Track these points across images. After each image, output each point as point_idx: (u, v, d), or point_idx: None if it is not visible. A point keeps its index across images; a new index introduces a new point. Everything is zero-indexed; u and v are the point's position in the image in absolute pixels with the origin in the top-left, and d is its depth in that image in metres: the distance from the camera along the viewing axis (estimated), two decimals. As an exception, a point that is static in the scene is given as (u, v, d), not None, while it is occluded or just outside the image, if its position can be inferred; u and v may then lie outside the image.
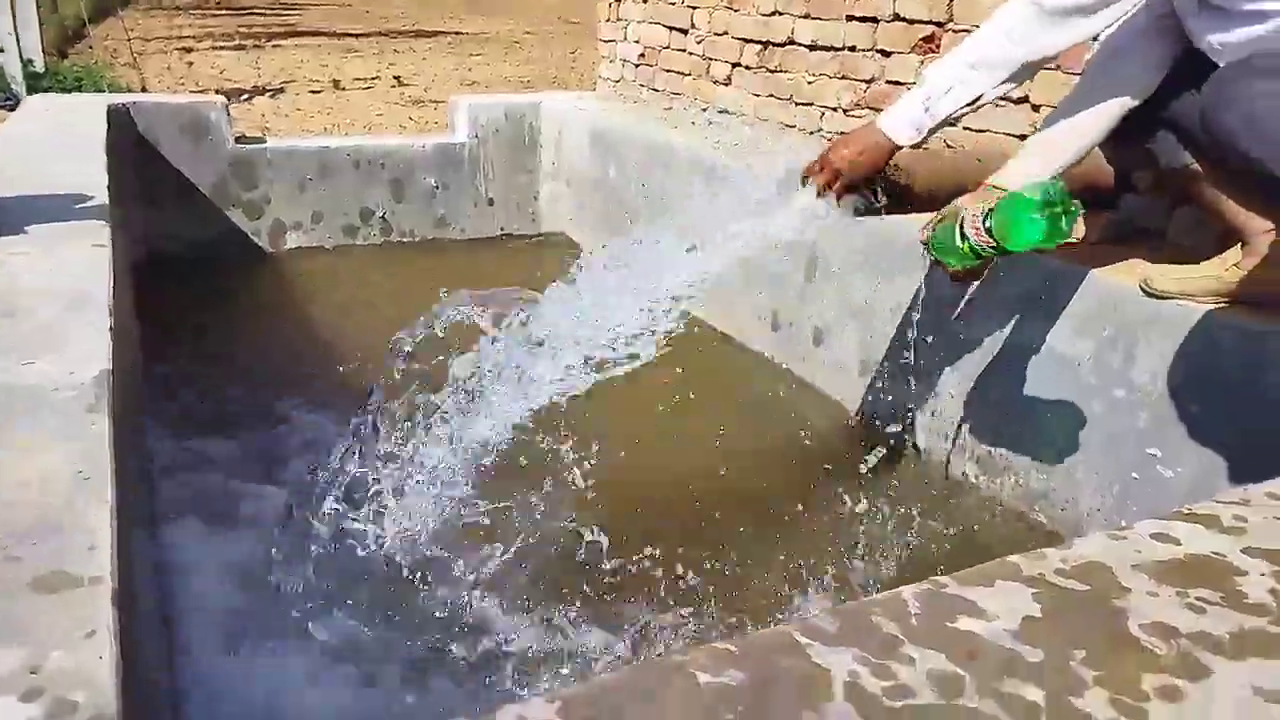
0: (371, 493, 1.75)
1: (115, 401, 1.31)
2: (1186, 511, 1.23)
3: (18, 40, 5.62)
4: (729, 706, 0.84)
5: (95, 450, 1.16)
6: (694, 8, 3.74)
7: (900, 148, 1.68)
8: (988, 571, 1.06)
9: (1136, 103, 1.68)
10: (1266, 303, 1.73)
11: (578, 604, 1.72)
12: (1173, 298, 1.81)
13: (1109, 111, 1.69)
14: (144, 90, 6.30)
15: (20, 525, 1.01)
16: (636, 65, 4.21)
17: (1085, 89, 1.71)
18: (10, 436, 1.18)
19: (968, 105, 1.62)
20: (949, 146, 2.67)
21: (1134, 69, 1.66)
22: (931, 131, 1.66)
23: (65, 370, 1.35)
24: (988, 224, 1.62)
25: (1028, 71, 1.60)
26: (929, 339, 2.30)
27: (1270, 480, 1.37)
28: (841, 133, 3.05)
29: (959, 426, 2.24)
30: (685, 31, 3.82)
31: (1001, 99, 1.85)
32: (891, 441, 2.34)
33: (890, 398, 2.45)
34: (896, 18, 2.81)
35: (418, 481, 1.72)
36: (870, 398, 2.52)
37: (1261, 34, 1.42)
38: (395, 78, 8.30)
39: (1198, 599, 1.04)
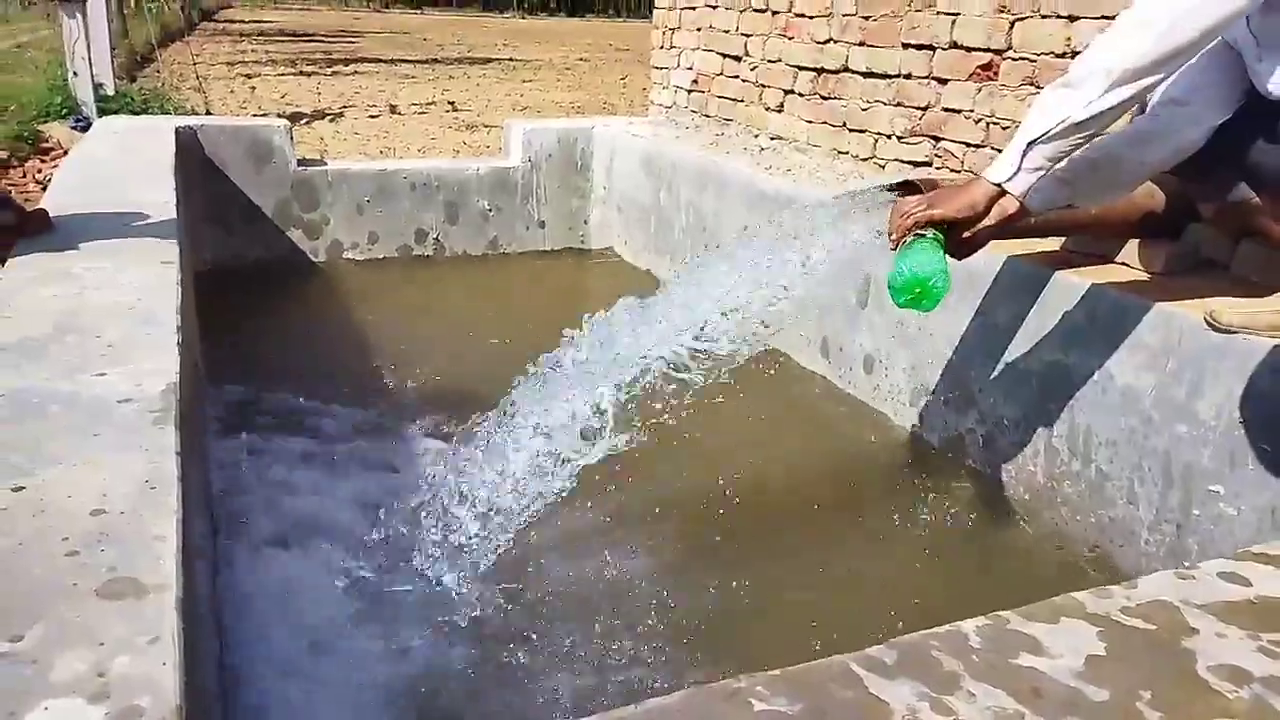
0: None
1: (180, 414, 1.34)
2: (1256, 552, 1.19)
3: (90, 65, 5.82)
4: (784, 736, 0.83)
5: (162, 461, 1.19)
6: (748, 35, 3.76)
7: (999, 186, 1.55)
8: (1051, 608, 1.04)
9: (1184, 153, 1.66)
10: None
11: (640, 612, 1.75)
12: (1238, 332, 1.76)
13: (1157, 157, 1.67)
14: (208, 113, 6.50)
15: (89, 534, 1.04)
16: (689, 91, 4.24)
17: (1140, 129, 1.69)
18: (81, 447, 1.22)
19: (1059, 125, 1.47)
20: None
21: (1191, 115, 1.63)
22: (1035, 170, 1.53)
23: (134, 384, 1.39)
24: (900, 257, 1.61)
25: (1120, 91, 1.44)
26: (985, 367, 2.27)
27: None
28: (897, 160, 3.05)
29: (1015, 455, 2.20)
30: (739, 59, 3.84)
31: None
32: (946, 468, 2.31)
33: (945, 425, 2.41)
34: (954, 45, 2.80)
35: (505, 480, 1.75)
36: (924, 424, 2.49)
37: None
38: (449, 103, 8.45)
39: (1271, 643, 1.00)
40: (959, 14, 2.77)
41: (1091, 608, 1.04)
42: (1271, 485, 1.70)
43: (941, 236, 1.61)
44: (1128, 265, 2.15)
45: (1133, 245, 2.15)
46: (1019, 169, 1.53)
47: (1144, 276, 2.09)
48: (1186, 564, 1.19)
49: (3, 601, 0.92)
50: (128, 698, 0.82)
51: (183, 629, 0.92)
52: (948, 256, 1.60)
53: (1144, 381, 1.91)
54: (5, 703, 0.80)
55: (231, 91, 8.48)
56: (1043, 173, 1.54)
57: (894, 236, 1.63)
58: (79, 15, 5.74)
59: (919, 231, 1.61)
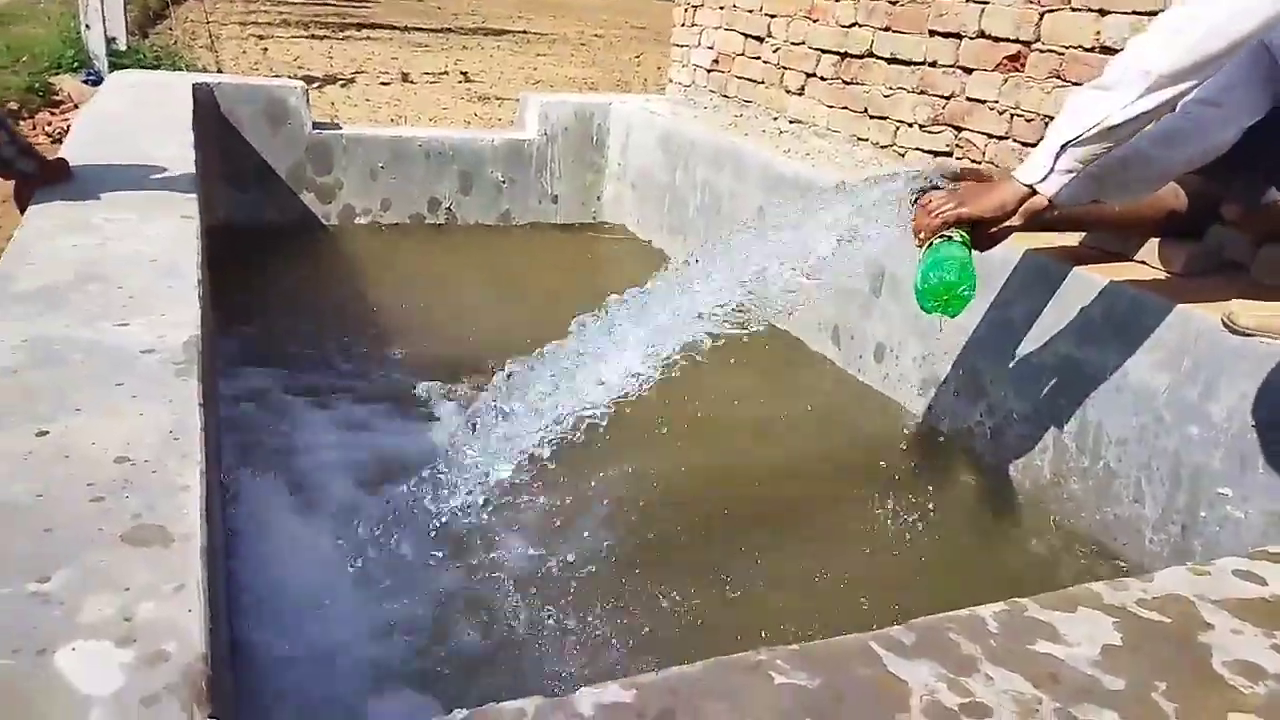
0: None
1: (201, 366, 1.34)
2: (1273, 551, 1.20)
3: (104, 19, 5.78)
4: (804, 709, 0.84)
5: (185, 412, 1.19)
6: (772, 16, 3.73)
7: (1031, 188, 1.54)
8: (1068, 597, 1.05)
9: (1213, 154, 1.65)
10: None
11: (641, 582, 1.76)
12: (1255, 335, 1.76)
13: (1186, 156, 1.66)
14: (219, 71, 6.45)
15: (114, 481, 1.04)
16: (709, 71, 4.21)
17: (1170, 128, 1.68)
18: (105, 396, 1.22)
19: (1093, 129, 1.46)
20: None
21: (1222, 116, 1.62)
22: (1067, 172, 1.51)
23: (156, 334, 1.39)
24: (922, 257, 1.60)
25: (1157, 95, 1.42)
26: (997, 360, 2.27)
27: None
28: (918, 149, 3.04)
29: (1023, 449, 2.21)
30: (761, 40, 3.81)
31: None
32: (953, 459, 2.32)
33: (954, 416, 2.42)
34: (981, 35, 2.78)
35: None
36: (933, 415, 2.49)
37: None
38: (462, 73, 8.40)
39: (1286, 640, 1.01)
40: (988, 3, 2.75)
41: (1108, 599, 1.05)
42: (1280, 489, 1.71)
43: (967, 236, 1.60)
44: (1147, 264, 2.14)
45: (1153, 244, 2.14)
46: (1052, 170, 1.51)
47: (1163, 276, 2.08)
48: (1200, 561, 1.20)
49: (30, 544, 0.93)
50: (154, 642, 0.82)
51: (207, 577, 0.93)
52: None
53: (1157, 381, 1.91)
54: (35, 641, 0.81)
55: (244, 52, 8.42)
56: (1074, 175, 1.53)
57: (921, 235, 1.61)
58: (94, -33, 5.69)
59: (945, 232, 1.60)
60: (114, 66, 5.58)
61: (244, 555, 1.68)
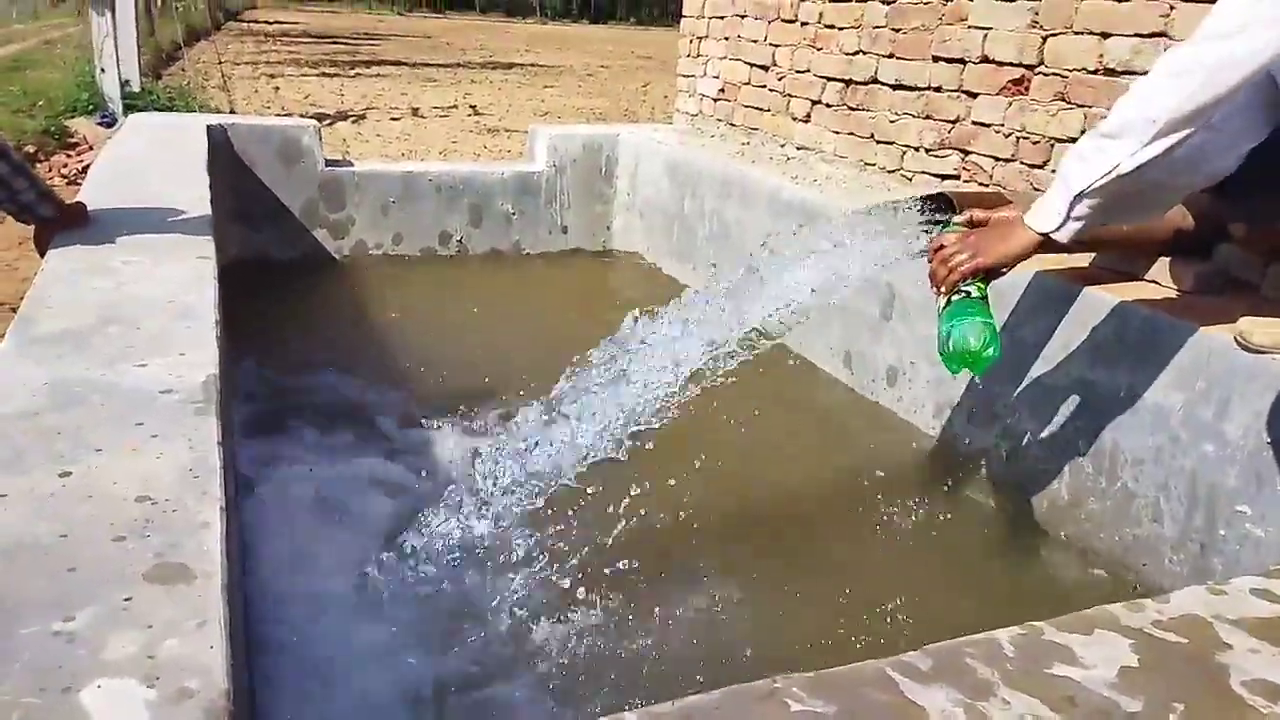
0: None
1: (219, 404, 1.36)
2: (1290, 570, 1.19)
3: (118, 62, 5.89)
4: (823, 737, 0.84)
5: (205, 451, 1.21)
6: (776, 45, 3.78)
7: (1046, 237, 1.56)
8: (1085, 619, 1.04)
9: (1218, 177, 1.65)
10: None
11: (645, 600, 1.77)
12: (1268, 352, 1.76)
13: (1190, 181, 1.65)
14: (232, 111, 6.56)
15: (136, 520, 1.06)
16: (715, 100, 4.26)
17: (1175, 155, 1.68)
18: (125, 436, 1.24)
19: (1105, 178, 1.47)
20: (1036, 190, 2.64)
21: (1224, 141, 1.62)
22: (1080, 219, 1.53)
23: (175, 375, 1.41)
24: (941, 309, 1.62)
25: (1165, 140, 1.44)
26: (1010, 382, 2.27)
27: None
28: (925, 173, 3.06)
29: (1039, 472, 2.20)
30: (766, 68, 3.85)
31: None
32: (969, 482, 2.32)
33: (968, 440, 2.41)
34: (985, 59, 2.81)
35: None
36: (947, 438, 2.49)
37: None
38: (471, 107, 8.51)
39: (1305, 660, 1.00)
40: (991, 28, 2.78)
41: (1125, 620, 1.05)
42: (1299, 506, 1.70)
43: (984, 287, 1.61)
44: (1157, 283, 2.14)
45: (1162, 263, 2.15)
46: (1066, 218, 1.53)
47: (1173, 295, 2.09)
48: (1217, 581, 1.19)
49: (54, 584, 0.94)
50: (178, 679, 0.83)
51: (228, 614, 0.94)
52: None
53: (1172, 400, 1.90)
54: (60, 679, 0.82)
55: (255, 91, 8.56)
56: (1085, 221, 1.54)
57: (941, 290, 1.63)
58: (108, 13, 5.82)
59: (963, 286, 1.60)
60: (128, 109, 5.69)
61: (259, 588, 1.69)
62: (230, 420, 1.74)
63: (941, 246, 1.65)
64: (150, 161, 2.94)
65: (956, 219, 1.72)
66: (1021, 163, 2.71)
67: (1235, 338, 1.81)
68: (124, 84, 6.02)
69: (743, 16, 3.98)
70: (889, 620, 1.80)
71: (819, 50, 3.52)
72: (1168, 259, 2.14)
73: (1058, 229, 1.54)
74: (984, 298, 1.61)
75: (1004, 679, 0.94)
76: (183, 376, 1.41)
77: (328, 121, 6.97)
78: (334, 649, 1.59)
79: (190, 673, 0.84)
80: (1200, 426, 1.85)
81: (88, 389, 1.36)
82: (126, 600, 0.93)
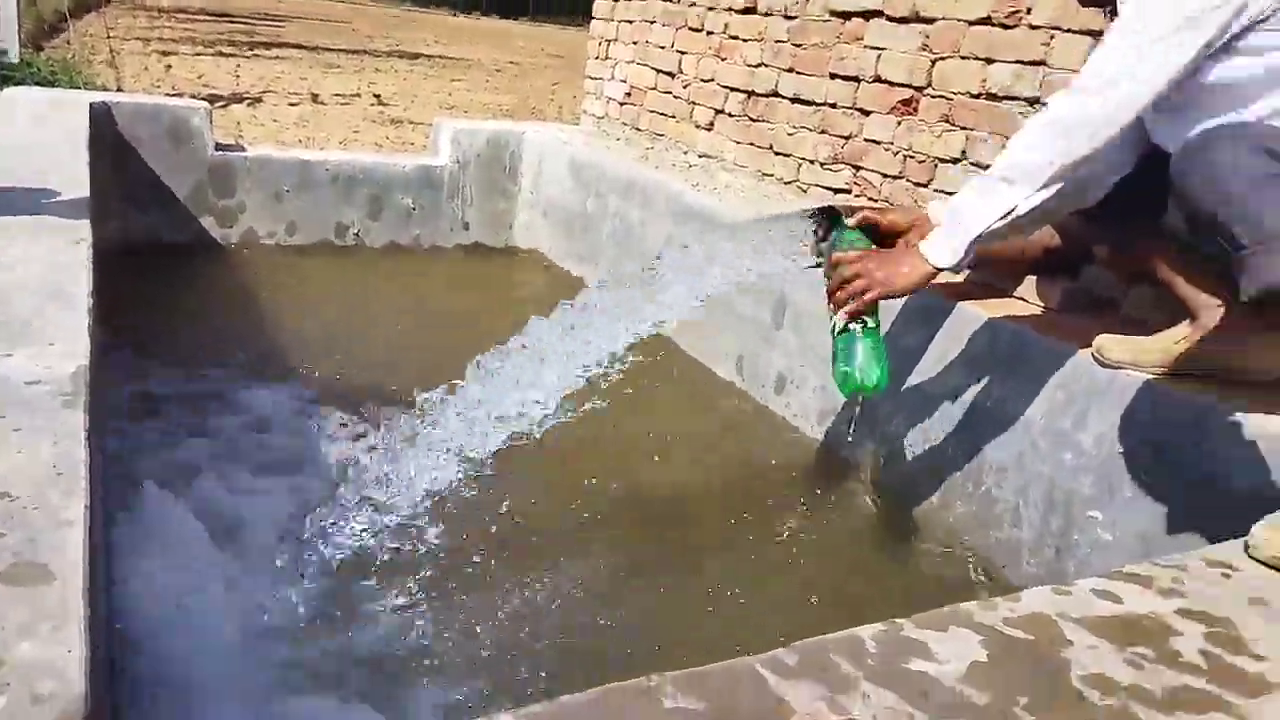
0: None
1: (89, 397, 1.31)
2: (1128, 572, 1.29)
3: (-6, 29, 5.56)
4: (690, 732, 0.87)
5: (70, 445, 1.17)
6: (683, 53, 3.83)
7: (940, 271, 1.65)
8: (941, 616, 1.11)
9: (1086, 204, 1.78)
10: (1213, 375, 1.81)
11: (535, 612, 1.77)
12: (1124, 367, 1.89)
13: (1063, 208, 1.76)
14: (120, 89, 6.26)
15: (-8, 516, 1.01)
16: (621, 104, 4.29)
17: None
18: (-16, 427, 1.18)
19: (1002, 220, 1.59)
20: (920, 206, 2.76)
21: (1097, 173, 1.73)
22: (974, 254, 1.63)
23: (44, 365, 1.36)
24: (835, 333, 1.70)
25: (1056, 184, 1.56)
26: (890, 392, 2.36)
27: (1208, 547, 1.43)
28: (819, 185, 3.15)
29: (913, 476, 2.30)
30: (672, 75, 3.91)
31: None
32: (849, 486, 2.40)
33: (850, 445, 2.50)
34: (877, 79, 2.91)
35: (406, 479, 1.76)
36: (831, 443, 2.57)
37: (1209, 124, 1.57)
38: (375, 96, 8.32)
39: (1135, 654, 1.09)
40: (885, 49, 2.88)
41: (978, 618, 1.11)
42: (1145, 512, 1.82)
43: (878, 320, 1.70)
44: (1025, 300, 2.27)
45: (1030, 281, 2.27)
46: (964, 257, 1.63)
47: (1039, 311, 2.21)
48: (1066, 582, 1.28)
49: (-102, 583, 0.90)
50: (31, 684, 0.81)
51: (88, 615, 0.91)
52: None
53: (1035, 411, 2.02)
54: (-98, 685, 0.78)
55: (145, 69, 8.18)
56: (976, 254, 1.64)
57: (838, 315, 1.68)
58: (-15, -24, 5.48)
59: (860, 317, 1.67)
60: (5, 80, 5.36)
61: (130, 588, 1.63)
62: (102, 413, 1.67)
63: (839, 264, 1.70)
64: (26, 139, 2.79)
65: (849, 222, 1.78)
66: (908, 180, 2.83)
67: (1093, 353, 1.93)
68: (1, 53, 5.67)
69: (651, 22, 4.02)
70: (766, 617, 1.86)
71: (723, 60, 3.59)
72: (1036, 277, 2.27)
73: (954, 265, 1.64)
74: (877, 325, 1.70)
75: (866, 674, 0.99)
76: (51, 367, 1.35)
77: (221, 104, 6.71)
78: (202, 664, 1.55)
79: (45, 676, 0.82)
80: (1059, 436, 1.97)
81: (-55, 379, 1.29)
82: (-22, 601, 0.89)
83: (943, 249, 1.64)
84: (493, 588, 1.83)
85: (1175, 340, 1.85)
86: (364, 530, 1.78)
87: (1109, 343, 1.91)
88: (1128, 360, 1.89)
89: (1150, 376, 1.85)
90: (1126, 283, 2.23)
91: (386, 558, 1.80)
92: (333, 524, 1.80)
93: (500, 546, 1.94)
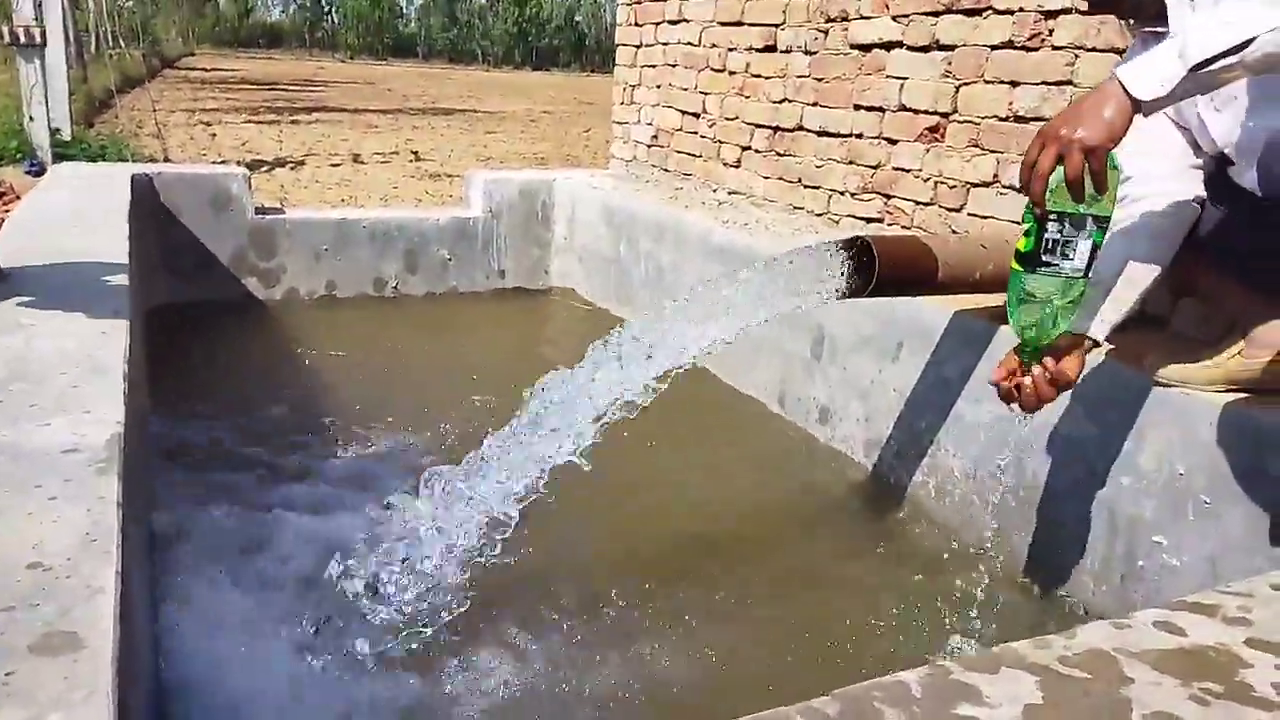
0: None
1: (125, 463, 1.32)
2: (1190, 602, 1.22)
3: (47, 109, 5.79)
4: (727, 789, 0.83)
5: (103, 513, 1.17)
6: (706, 94, 3.85)
7: (1140, 107, 1.30)
8: (992, 658, 1.05)
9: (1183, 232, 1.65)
10: (1269, 391, 1.74)
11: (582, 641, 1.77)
12: (1178, 386, 1.82)
13: (1169, 242, 1.63)
14: (167, 160, 6.47)
15: (25, 587, 1.02)
16: (649, 146, 4.32)
17: (1133, 232, 1.65)
18: (22, 501, 1.19)
19: (1233, 55, 1.24)
20: (954, 232, 2.72)
21: (1176, 197, 1.65)
22: (1183, 93, 1.30)
23: (78, 434, 1.37)
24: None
25: None
26: (936, 419, 2.32)
27: (1275, 571, 1.36)
28: (851, 215, 3.12)
29: (965, 506, 2.24)
30: (697, 116, 3.93)
31: None
32: (900, 519, 2.34)
33: (898, 477, 2.45)
34: (902, 108, 2.89)
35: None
36: (878, 476, 2.52)
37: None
38: (413, 152, 8.51)
39: (1201, 690, 1.03)
40: (908, 78, 2.87)
41: (1031, 657, 1.06)
42: (1212, 536, 1.74)
43: (1101, 207, 1.36)
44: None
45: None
46: (1173, 89, 1.29)
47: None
48: (1126, 614, 1.22)
49: (-68, 658, 0.90)
50: (59, 756, 0.80)
51: (118, 684, 0.90)
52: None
53: (1088, 433, 1.95)
54: (-71, 763, 0.78)
55: (191, 138, 8.46)
56: (1181, 97, 1.31)
57: (1033, 196, 1.36)
58: (36, 60, 5.72)
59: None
60: (58, 157, 5.57)
61: (180, 648, 1.63)
62: (140, 477, 1.69)
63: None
64: (71, 212, 2.88)
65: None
66: (940, 206, 2.79)
67: (1146, 372, 1.86)
68: (54, 132, 5.90)
69: (673, 65, 4.06)
70: (817, 655, 1.81)
71: (747, 98, 3.60)
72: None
73: (1159, 101, 1.31)
74: (1095, 217, 1.35)
75: (911, 721, 0.94)
76: (86, 435, 1.37)
77: (265, 169, 6.90)
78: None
79: (73, 748, 0.81)
80: (1116, 459, 1.90)
81: (-14, 450, 1.31)
82: (8, 675, 0.89)
83: (1149, 77, 1.29)
84: (541, 628, 1.80)
85: (1230, 356, 1.78)
86: (417, 567, 1.77)
87: (1162, 361, 1.85)
88: (1181, 378, 1.82)
89: (1206, 394, 1.78)
90: (1174, 297, 2.17)
91: (436, 595, 1.80)
92: (388, 568, 1.81)
93: (545, 584, 1.92)
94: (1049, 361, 1.57)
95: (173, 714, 1.50)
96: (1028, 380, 1.57)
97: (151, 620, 1.62)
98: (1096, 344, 1.62)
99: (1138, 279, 1.62)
